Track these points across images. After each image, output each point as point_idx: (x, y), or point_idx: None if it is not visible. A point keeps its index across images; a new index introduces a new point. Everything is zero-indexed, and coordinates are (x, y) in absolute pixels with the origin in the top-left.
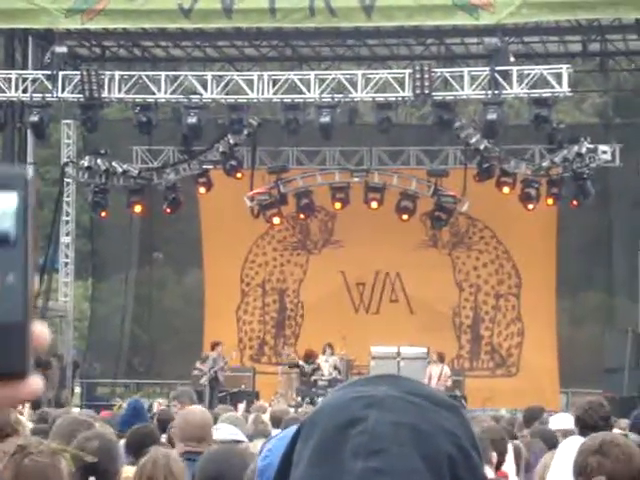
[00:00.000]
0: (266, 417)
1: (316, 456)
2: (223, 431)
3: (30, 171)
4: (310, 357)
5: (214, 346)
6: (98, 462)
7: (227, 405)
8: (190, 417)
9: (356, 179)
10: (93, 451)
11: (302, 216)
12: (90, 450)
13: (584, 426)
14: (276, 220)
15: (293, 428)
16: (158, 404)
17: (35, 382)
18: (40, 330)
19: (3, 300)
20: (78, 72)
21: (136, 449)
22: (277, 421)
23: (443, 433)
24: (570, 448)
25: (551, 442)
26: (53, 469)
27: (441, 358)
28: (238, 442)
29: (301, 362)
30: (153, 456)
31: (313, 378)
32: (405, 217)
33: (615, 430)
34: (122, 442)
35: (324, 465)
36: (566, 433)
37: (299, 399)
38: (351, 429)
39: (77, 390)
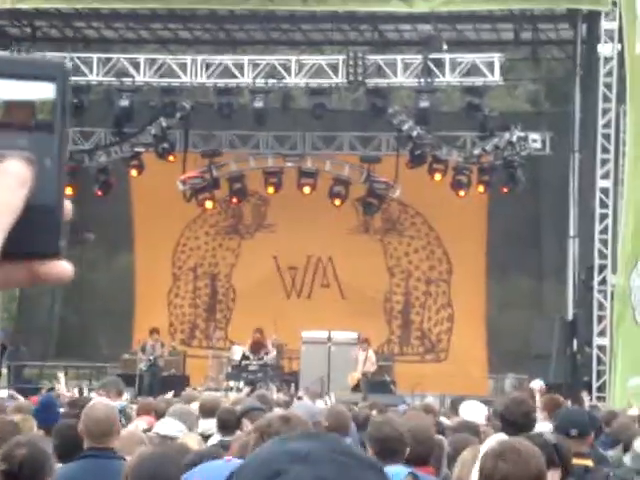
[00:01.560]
0: (195, 406)
1: None
2: (169, 426)
3: (66, 62)
4: (257, 347)
5: (151, 332)
6: (24, 471)
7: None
8: (93, 413)
9: (289, 164)
10: (20, 458)
11: (235, 200)
12: (17, 457)
13: (506, 423)
14: (208, 204)
15: (213, 465)
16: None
17: (66, 265)
18: (69, 208)
19: (40, 183)
20: (7, 52)
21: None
22: (208, 412)
23: None
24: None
25: (476, 434)
26: None
27: (367, 343)
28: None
29: (247, 352)
30: None
31: (244, 362)
32: (337, 202)
33: (540, 425)
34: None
35: None
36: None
37: (230, 383)
38: None
39: (4, 372)
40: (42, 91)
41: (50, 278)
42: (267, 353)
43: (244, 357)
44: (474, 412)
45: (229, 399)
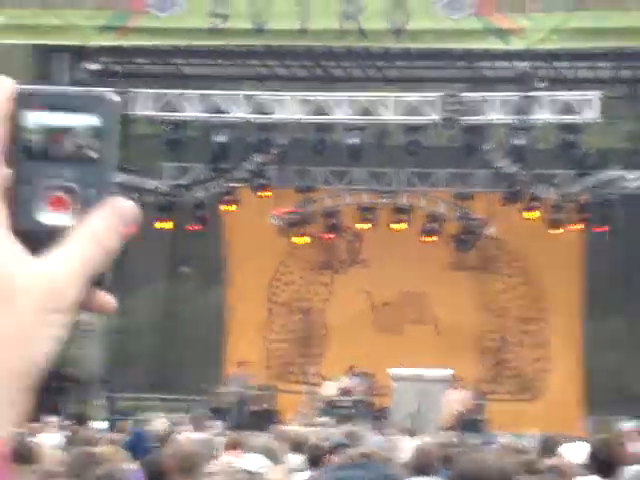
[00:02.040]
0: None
1: None
2: (252, 461)
3: (114, 95)
4: (347, 394)
5: (240, 364)
6: None
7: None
8: (181, 448)
9: (383, 200)
10: None
11: (329, 236)
12: None
13: (598, 463)
14: (302, 239)
15: None
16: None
17: (108, 297)
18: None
19: (85, 213)
20: (109, 89)
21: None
22: (296, 447)
23: None
24: None
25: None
26: None
27: (461, 381)
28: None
29: (330, 390)
30: None
31: (336, 398)
32: (431, 239)
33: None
34: (134, 468)
35: None
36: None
37: (321, 419)
38: None
39: (101, 403)
40: (87, 122)
41: (91, 307)
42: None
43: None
44: (575, 452)
45: (319, 435)
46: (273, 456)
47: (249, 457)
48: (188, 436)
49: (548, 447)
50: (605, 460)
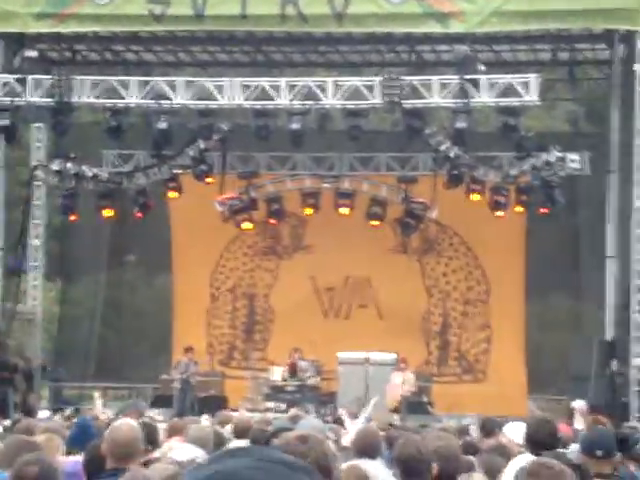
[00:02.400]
0: (228, 428)
1: None
2: (183, 452)
3: None
4: (295, 372)
5: (186, 351)
6: None
7: (196, 417)
8: (115, 433)
9: (326, 185)
10: (32, 476)
11: (272, 221)
12: (29, 475)
13: (533, 444)
14: (246, 225)
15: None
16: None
17: None
18: None
19: None
20: (49, 76)
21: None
22: (240, 432)
23: None
24: (516, 468)
25: (509, 458)
26: None
27: (405, 364)
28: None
29: (275, 375)
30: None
31: (281, 383)
32: (375, 223)
33: (573, 446)
34: (74, 459)
35: None
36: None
37: (268, 404)
38: None
39: (45, 393)
40: None
41: None
42: (308, 377)
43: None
44: (518, 433)
45: (268, 421)
46: (205, 445)
47: (186, 446)
48: (127, 422)
49: (488, 428)
50: (540, 440)
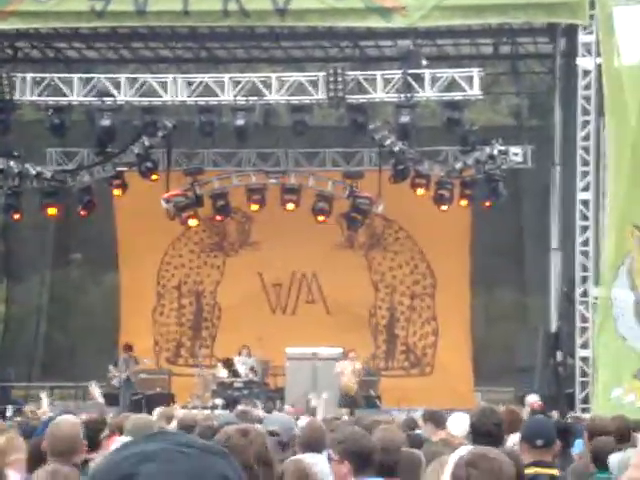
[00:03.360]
0: (173, 424)
1: None
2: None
3: None
4: (229, 365)
5: (125, 349)
6: None
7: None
8: (57, 430)
9: (272, 181)
10: None
11: (218, 218)
12: None
13: (477, 434)
14: (192, 222)
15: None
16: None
17: None
18: None
19: None
20: None
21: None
22: (186, 428)
23: (216, 476)
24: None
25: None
26: None
27: (354, 353)
28: None
29: (222, 372)
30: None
31: (230, 380)
32: (321, 218)
33: (512, 437)
34: None
35: None
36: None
37: (215, 401)
38: None
39: None
40: None
41: None
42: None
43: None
44: (461, 425)
45: (213, 417)
46: None
47: (125, 438)
48: (67, 419)
49: (434, 421)
50: (484, 430)
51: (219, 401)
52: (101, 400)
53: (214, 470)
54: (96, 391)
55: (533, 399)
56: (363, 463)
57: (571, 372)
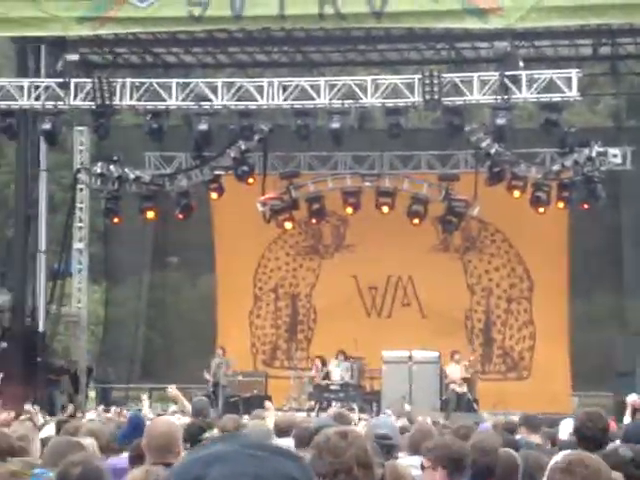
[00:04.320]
0: (269, 424)
1: None
2: None
3: None
4: (324, 363)
5: (217, 351)
6: None
7: (233, 415)
8: (154, 429)
9: (367, 184)
10: (75, 477)
11: (314, 221)
12: (72, 476)
13: (583, 438)
14: (288, 225)
15: None
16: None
17: None
18: None
19: None
20: (90, 79)
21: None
22: (283, 430)
23: (282, 476)
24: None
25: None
26: None
27: (458, 355)
28: None
29: (313, 372)
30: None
31: (325, 382)
32: (416, 221)
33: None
34: (125, 455)
35: None
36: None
37: (311, 403)
38: None
39: (92, 395)
40: None
41: None
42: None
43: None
44: (563, 429)
45: (306, 418)
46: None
47: None
48: (164, 419)
49: (531, 425)
50: (589, 435)
51: (316, 403)
52: (148, 412)
53: (282, 472)
54: (145, 402)
55: (633, 398)
56: (456, 468)
57: None
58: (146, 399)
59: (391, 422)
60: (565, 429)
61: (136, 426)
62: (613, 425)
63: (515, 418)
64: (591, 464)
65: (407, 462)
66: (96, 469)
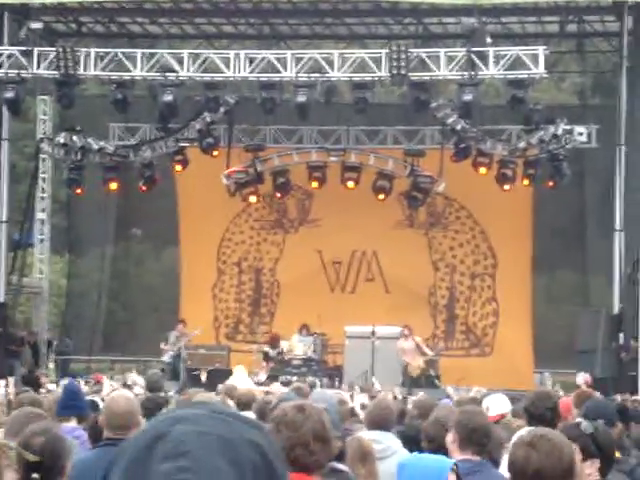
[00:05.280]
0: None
1: (126, 469)
2: None
3: None
4: (275, 341)
5: (177, 324)
6: (42, 459)
7: (199, 388)
8: (114, 405)
9: (333, 158)
10: (38, 446)
11: (279, 195)
12: (35, 445)
13: (532, 417)
14: (252, 199)
15: None
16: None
17: None
18: None
19: None
20: (54, 48)
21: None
22: (244, 405)
23: (248, 443)
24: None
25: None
26: None
27: (409, 330)
28: None
29: (266, 348)
30: None
31: (288, 357)
32: (382, 197)
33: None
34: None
35: (134, 475)
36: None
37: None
38: (158, 443)
39: (51, 366)
40: None
41: None
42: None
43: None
44: (497, 406)
45: (267, 392)
46: None
47: None
48: (124, 395)
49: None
50: (539, 414)
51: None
52: (109, 389)
53: (247, 437)
54: (106, 382)
55: (582, 378)
56: (476, 441)
57: (634, 355)
58: (107, 381)
59: (329, 396)
60: (492, 406)
61: (71, 395)
62: (569, 403)
63: (478, 394)
64: (554, 438)
65: (367, 437)
66: (59, 437)
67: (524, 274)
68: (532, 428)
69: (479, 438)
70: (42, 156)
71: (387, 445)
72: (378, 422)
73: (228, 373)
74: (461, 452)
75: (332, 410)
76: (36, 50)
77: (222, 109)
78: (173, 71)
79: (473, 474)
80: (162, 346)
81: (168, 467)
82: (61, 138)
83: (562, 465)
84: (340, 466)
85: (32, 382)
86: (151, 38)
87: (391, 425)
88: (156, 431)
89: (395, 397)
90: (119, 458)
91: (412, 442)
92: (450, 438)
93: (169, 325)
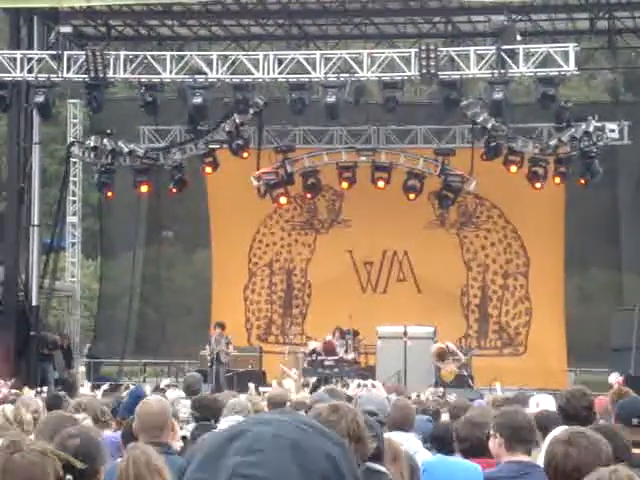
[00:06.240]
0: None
1: (200, 463)
2: (228, 423)
3: None
4: (331, 352)
5: (215, 327)
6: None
7: (231, 390)
8: (147, 407)
9: (363, 158)
10: (73, 448)
11: (309, 196)
12: (70, 447)
13: (566, 416)
14: (283, 200)
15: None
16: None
17: None
18: None
19: None
20: (83, 52)
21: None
22: (277, 405)
23: (322, 454)
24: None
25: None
26: (41, 469)
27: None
28: None
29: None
30: (132, 456)
31: (320, 358)
32: (412, 196)
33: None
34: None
35: (207, 469)
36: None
37: (306, 379)
38: (235, 440)
39: (82, 370)
40: None
41: None
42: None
43: (313, 353)
44: (546, 403)
45: (300, 393)
46: (243, 413)
47: (226, 418)
48: (156, 398)
49: (521, 401)
50: (573, 413)
51: (310, 379)
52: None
53: (321, 447)
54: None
55: (615, 378)
56: (514, 437)
57: None
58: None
59: (379, 398)
60: (534, 405)
61: (137, 399)
62: (603, 402)
63: (509, 394)
64: (591, 435)
65: (399, 438)
66: (94, 440)
67: (557, 272)
68: (567, 427)
69: (526, 435)
70: (73, 160)
71: (407, 446)
72: (398, 423)
73: (260, 375)
74: (510, 454)
75: (381, 413)
76: (66, 54)
77: (251, 110)
78: (202, 73)
79: (521, 477)
80: (205, 350)
81: (238, 460)
82: (91, 141)
83: (600, 461)
84: (377, 466)
85: (68, 386)
86: (180, 40)
87: (411, 425)
88: (236, 430)
89: (428, 398)
90: (197, 451)
91: (442, 442)
92: (494, 442)
93: (200, 327)
